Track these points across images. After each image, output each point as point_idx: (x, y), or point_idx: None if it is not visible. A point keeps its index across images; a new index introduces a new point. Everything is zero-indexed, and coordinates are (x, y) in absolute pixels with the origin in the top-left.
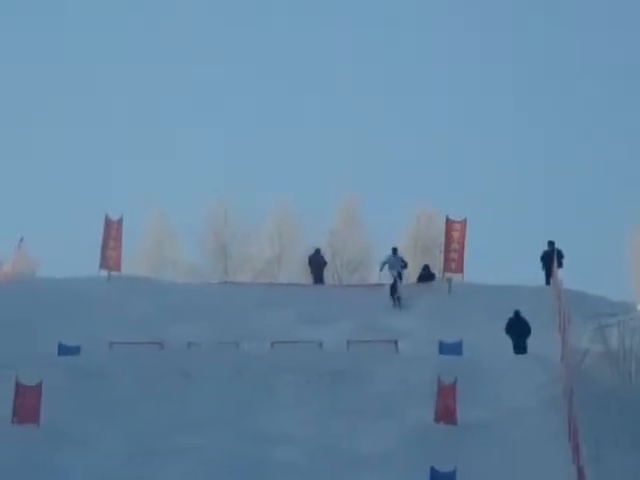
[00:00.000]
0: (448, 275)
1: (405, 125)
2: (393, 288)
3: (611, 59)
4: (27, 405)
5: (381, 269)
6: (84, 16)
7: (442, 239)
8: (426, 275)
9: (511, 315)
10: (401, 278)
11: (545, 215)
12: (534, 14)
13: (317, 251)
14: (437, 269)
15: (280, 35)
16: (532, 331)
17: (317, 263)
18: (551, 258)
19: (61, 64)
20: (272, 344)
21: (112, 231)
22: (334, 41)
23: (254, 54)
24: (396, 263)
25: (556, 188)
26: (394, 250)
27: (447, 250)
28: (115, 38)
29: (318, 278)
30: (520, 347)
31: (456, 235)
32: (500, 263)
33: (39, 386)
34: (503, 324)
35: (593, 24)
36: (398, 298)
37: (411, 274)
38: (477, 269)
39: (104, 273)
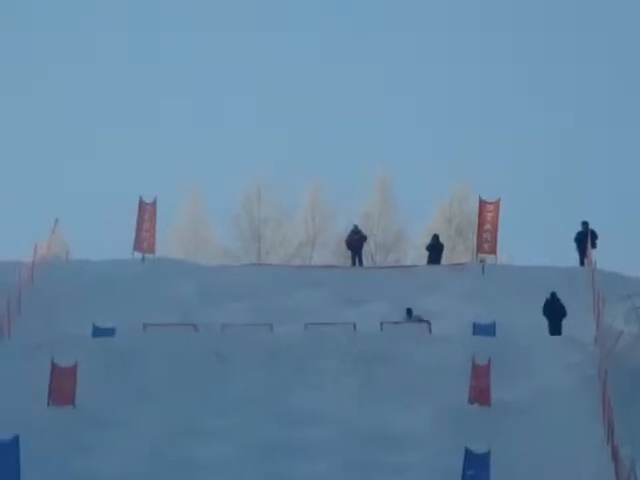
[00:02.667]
0: (481, 256)
1: (439, 105)
2: None
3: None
4: (63, 387)
5: None
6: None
7: (476, 220)
8: (435, 245)
9: (547, 296)
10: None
11: (579, 196)
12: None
13: (354, 227)
14: (471, 250)
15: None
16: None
17: (355, 240)
18: (585, 239)
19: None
20: (306, 326)
21: (146, 214)
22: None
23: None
24: None
25: (590, 169)
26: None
27: (480, 231)
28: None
29: (357, 255)
30: (555, 329)
31: (489, 216)
32: (534, 244)
33: (74, 368)
34: (536, 305)
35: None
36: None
37: (446, 255)
38: (510, 250)
39: (138, 255)
